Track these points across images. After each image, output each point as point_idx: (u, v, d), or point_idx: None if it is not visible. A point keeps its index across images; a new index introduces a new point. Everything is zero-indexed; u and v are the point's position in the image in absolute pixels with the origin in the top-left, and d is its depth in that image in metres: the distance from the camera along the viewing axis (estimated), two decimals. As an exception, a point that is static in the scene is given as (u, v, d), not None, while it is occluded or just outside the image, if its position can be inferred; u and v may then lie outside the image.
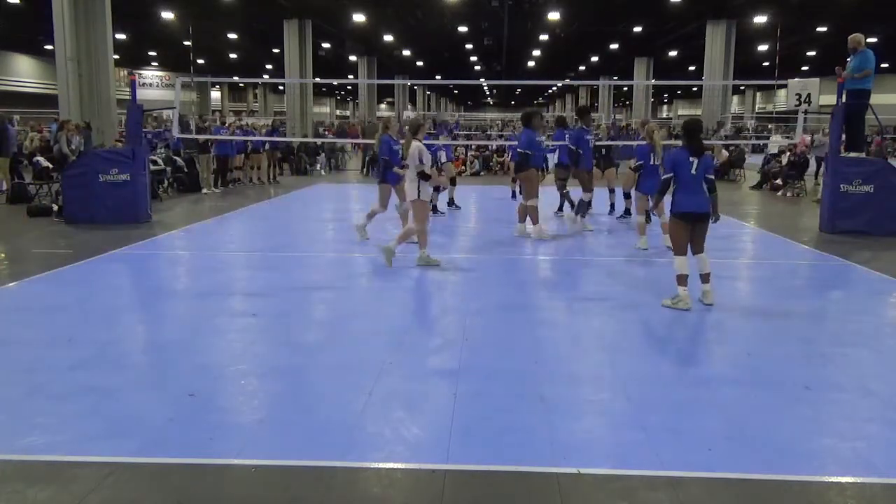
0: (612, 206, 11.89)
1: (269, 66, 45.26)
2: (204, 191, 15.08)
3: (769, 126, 39.59)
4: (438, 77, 44.21)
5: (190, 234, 10.05)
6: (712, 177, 6.02)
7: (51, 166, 13.50)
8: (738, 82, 36.56)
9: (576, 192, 10.75)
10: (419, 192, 7.39)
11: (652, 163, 8.38)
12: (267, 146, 17.64)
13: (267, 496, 3.01)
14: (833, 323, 5.95)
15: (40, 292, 6.54)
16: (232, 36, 35.32)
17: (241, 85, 65.61)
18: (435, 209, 11.18)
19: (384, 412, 3.82)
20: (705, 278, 6.08)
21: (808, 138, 17.35)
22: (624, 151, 15.20)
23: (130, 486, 3.08)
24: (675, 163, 6.01)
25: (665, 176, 6.13)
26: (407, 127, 7.63)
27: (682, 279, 5.97)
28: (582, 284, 7.21)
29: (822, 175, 13.81)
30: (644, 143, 8.91)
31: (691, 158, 5.92)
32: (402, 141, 8.20)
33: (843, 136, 10.67)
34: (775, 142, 20.95)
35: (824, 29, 29.44)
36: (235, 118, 20.50)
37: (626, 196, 10.93)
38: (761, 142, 21.83)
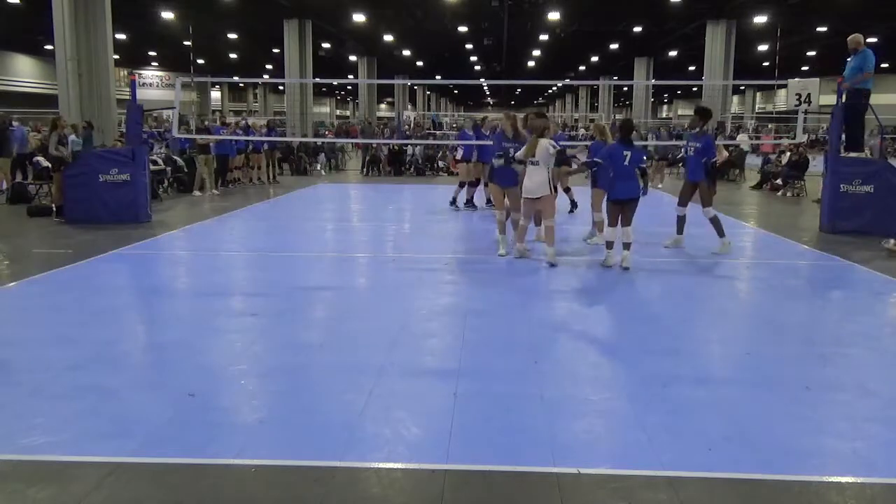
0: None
1: (269, 66, 45.20)
2: (196, 192, 14.52)
3: (769, 126, 39.60)
4: (438, 77, 44.17)
5: (190, 234, 10.05)
6: (643, 166, 7.68)
7: (50, 166, 13.48)
8: (738, 82, 36.52)
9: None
10: (551, 186, 7.65)
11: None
12: (266, 146, 17.63)
13: (267, 496, 3.02)
14: (833, 323, 5.95)
15: (40, 292, 6.54)
16: (232, 36, 35.25)
17: (241, 85, 65.52)
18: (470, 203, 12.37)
19: (384, 412, 3.82)
20: (627, 246, 7.48)
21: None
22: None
23: (130, 486, 3.08)
24: (611, 155, 7.47)
25: (596, 158, 7.74)
26: (531, 128, 7.79)
27: (609, 244, 7.62)
28: (581, 284, 7.21)
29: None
30: (597, 140, 9.02)
31: (625, 152, 7.36)
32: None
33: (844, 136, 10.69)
34: (744, 140, 21.33)
35: (824, 29, 29.37)
36: (238, 118, 20.46)
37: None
38: (731, 142, 21.99)
